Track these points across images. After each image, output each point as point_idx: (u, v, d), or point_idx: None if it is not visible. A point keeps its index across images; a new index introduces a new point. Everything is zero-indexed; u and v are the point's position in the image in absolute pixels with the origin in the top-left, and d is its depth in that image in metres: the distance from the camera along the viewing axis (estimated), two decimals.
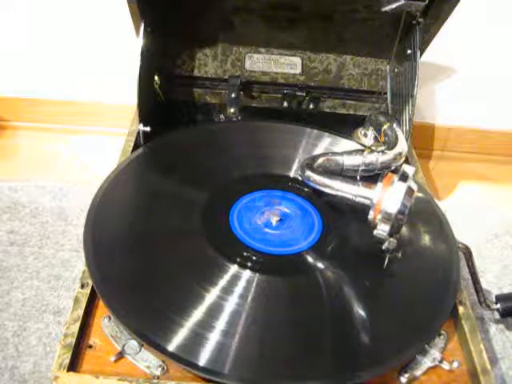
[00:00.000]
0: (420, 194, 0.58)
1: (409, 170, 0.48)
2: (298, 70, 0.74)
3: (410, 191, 0.46)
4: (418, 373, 0.43)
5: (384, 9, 0.60)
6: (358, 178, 0.54)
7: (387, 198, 0.47)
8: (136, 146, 0.64)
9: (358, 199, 0.50)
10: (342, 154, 0.56)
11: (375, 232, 0.48)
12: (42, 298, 0.60)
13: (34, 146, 0.87)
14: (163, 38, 0.70)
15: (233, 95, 0.70)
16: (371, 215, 0.49)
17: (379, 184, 0.48)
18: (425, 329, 0.45)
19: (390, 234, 0.47)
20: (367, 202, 0.49)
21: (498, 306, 0.54)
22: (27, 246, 0.67)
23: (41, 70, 0.85)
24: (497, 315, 0.56)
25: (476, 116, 0.88)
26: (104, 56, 0.83)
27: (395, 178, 0.48)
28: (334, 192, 0.52)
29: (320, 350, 0.42)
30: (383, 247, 0.48)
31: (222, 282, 0.46)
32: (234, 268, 0.47)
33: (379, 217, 0.47)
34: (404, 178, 0.47)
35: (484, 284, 0.54)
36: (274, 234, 0.52)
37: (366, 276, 0.49)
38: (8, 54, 0.83)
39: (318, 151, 0.62)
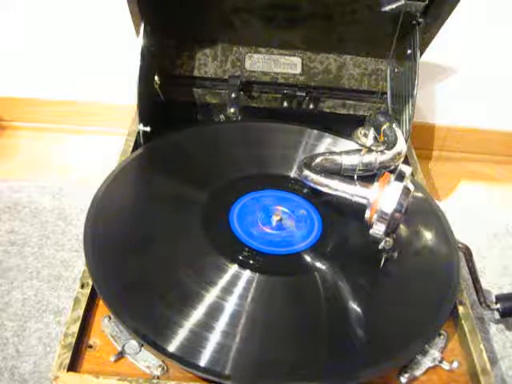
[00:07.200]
0: (420, 194, 0.58)
1: (405, 169, 0.48)
2: (298, 70, 0.74)
3: (406, 191, 0.46)
4: (417, 373, 0.43)
5: (384, 9, 0.60)
6: (356, 177, 0.54)
7: (383, 197, 0.47)
8: (136, 146, 0.64)
9: (355, 199, 0.50)
10: (340, 153, 0.56)
11: (371, 231, 0.48)
12: (42, 297, 0.60)
13: (34, 146, 0.87)
14: (163, 38, 0.70)
15: (233, 95, 0.70)
16: (368, 214, 0.49)
17: (375, 184, 0.48)
18: (425, 329, 0.45)
19: (387, 234, 0.47)
20: (364, 201, 0.49)
21: (498, 306, 0.54)
22: (27, 246, 0.67)
23: (40, 70, 0.85)
24: (497, 315, 0.56)
25: (476, 116, 0.88)
26: (104, 56, 0.82)
27: (392, 177, 0.47)
28: (331, 191, 0.52)
29: (320, 350, 0.42)
30: (379, 247, 0.48)
31: (222, 282, 0.46)
32: (234, 268, 0.47)
33: (375, 216, 0.47)
34: (400, 177, 0.47)
35: (484, 284, 0.54)
36: (273, 234, 0.52)
37: (366, 276, 0.49)
38: (8, 54, 0.83)
39: (317, 151, 0.62)
